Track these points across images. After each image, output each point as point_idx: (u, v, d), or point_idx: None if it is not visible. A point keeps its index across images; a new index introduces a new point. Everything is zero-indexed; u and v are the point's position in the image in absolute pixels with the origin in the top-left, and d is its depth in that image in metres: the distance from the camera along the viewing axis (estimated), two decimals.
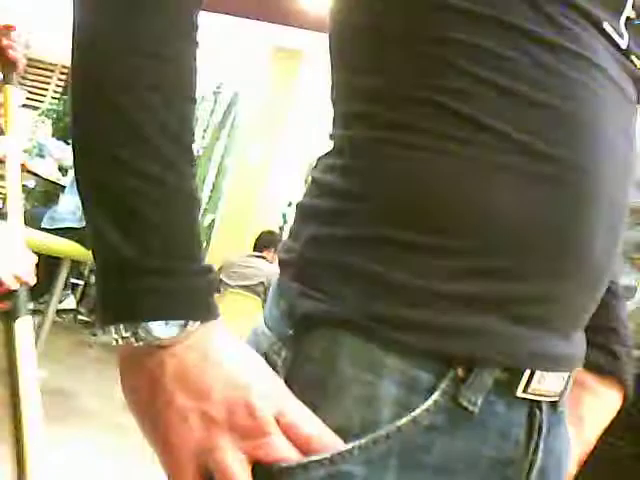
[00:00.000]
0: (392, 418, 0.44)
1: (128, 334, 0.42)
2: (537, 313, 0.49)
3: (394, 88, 0.50)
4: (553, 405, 0.55)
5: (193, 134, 0.45)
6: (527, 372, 0.49)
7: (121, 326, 0.42)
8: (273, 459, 0.42)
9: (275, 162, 4.30)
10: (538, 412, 0.52)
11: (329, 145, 0.55)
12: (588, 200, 0.50)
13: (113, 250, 0.42)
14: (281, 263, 0.53)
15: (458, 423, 0.46)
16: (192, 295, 0.44)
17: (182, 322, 0.43)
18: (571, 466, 0.66)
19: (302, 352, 0.46)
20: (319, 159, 0.55)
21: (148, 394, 0.44)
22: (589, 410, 0.68)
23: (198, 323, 0.43)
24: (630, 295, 1.14)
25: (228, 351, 0.45)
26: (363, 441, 0.43)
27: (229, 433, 0.43)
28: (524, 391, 0.49)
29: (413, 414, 0.44)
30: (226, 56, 4.60)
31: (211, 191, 4.83)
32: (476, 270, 0.46)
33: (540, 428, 0.52)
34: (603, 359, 0.69)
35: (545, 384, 0.51)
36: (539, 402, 0.52)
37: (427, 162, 0.48)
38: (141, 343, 0.42)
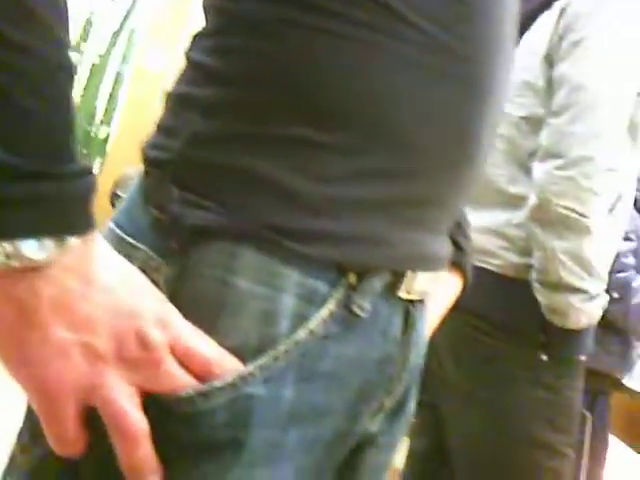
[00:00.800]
0: (290, 332, 0.43)
1: None
2: (420, 215, 0.49)
3: None
4: (422, 301, 0.56)
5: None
6: (409, 273, 0.50)
7: None
8: (169, 390, 0.39)
9: (177, 68, 4.08)
10: (412, 310, 0.53)
11: (208, 19, 0.46)
12: (482, 99, 0.49)
13: None
14: (150, 162, 0.44)
15: (349, 329, 0.46)
16: (68, 204, 0.36)
17: (57, 238, 0.35)
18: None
19: (191, 268, 0.42)
20: (196, 36, 0.47)
21: (18, 328, 0.37)
22: (434, 296, 0.70)
23: (76, 238, 0.36)
24: (522, 204, 1.18)
25: (113, 273, 0.38)
26: (264, 360, 0.42)
27: (117, 367, 0.39)
28: (405, 292, 0.50)
29: (310, 326, 0.44)
30: None
31: (107, 101, 4.57)
32: (364, 171, 0.44)
33: (414, 325, 0.54)
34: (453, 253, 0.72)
35: (420, 284, 0.52)
36: (413, 301, 0.53)
37: (328, 49, 0.43)
38: (12, 264, 0.34)
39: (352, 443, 0.53)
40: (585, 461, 1.52)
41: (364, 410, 0.51)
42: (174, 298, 0.41)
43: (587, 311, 1.14)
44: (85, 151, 3.71)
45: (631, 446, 1.78)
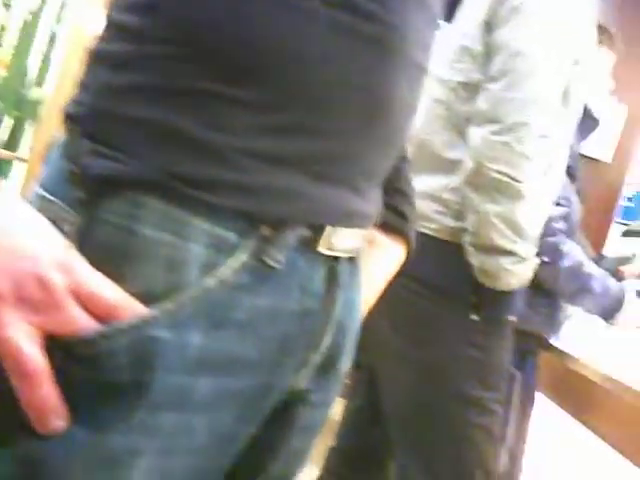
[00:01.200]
0: (198, 280, 0.44)
1: None
2: (335, 171, 0.49)
3: None
4: (352, 260, 0.57)
5: None
6: (328, 229, 0.51)
7: None
8: (70, 331, 0.40)
9: None
10: (337, 267, 0.54)
11: None
12: (393, 58, 0.48)
13: None
14: (66, 118, 0.45)
15: (263, 281, 0.47)
16: None
17: None
18: (363, 308, 0.69)
19: (98, 217, 0.43)
20: None
21: None
22: (377, 263, 0.71)
23: None
24: (458, 169, 1.20)
25: (12, 215, 0.39)
26: (169, 305, 0.43)
27: (15, 307, 0.39)
28: (325, 247, 0.51)
29: (219, 274, 0.44)
30: None
31: (41, 62, 4.39)
32: (276, 126, 0.45)
33: (339, 283, 0.55)
34: (392, 218, 0.72)
35: (343, 240, 0.53)
36: (338, 258, 0.54)
37: (241, 6, 0.43)
38: None
39: (278, 398, 0.54)
40: (513, 417, 1.57)
41: (287, 363, 0.52)
42: (83, 247, 0.42)
43: (517, 273, 1.18)
44: (17, 113, 3.56)
45: (557, 403, 1.85)
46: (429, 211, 1.23)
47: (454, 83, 1.22)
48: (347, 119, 0.48)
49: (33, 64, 4.20)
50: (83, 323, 0.40)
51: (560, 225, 1.62)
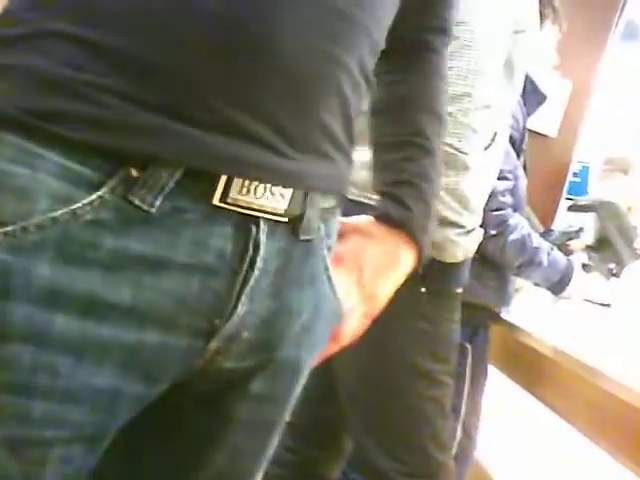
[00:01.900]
0: (46, 210, 0.44)
1: None
2: (225, 117, 0.47)
3: None
4: (294, 230, 0.54)
5: None
6: (222, 179, 0.48)
7: None
8: None
9: None
10: (254, 228, 0.51)
11: None
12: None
13: None
14: None
15: (131, 223, 0.46)
16: None
17: None
18: (354, 315, 0.66)
19: None
20: None
21: None
22: (371, 261, 0.67)
23: None
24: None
25: None
26: (10, 228, 0.43)
27: None
28: (222, 200, 0.49)
29: (72, 207, 0.44)
30: None
31: None
32: (135, 68, 0.45)
33: (257, 245, 0.51)
34: (393, 209, 0.68)
35: (253, 197, 0.50)
36: (256, 218, 0.51)
37: None
38: None
39: (187, 368, 0.52)
40: (466, 390, 1.59)
41: (184, 323, 0.50)
42: None
43: (463, 245, 1.18)
44: None
45: (508, 375, 1.88)
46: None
47: None
48: (199, 55, 0.46)
49: None
50: None
51: (506, 199, 1.64)
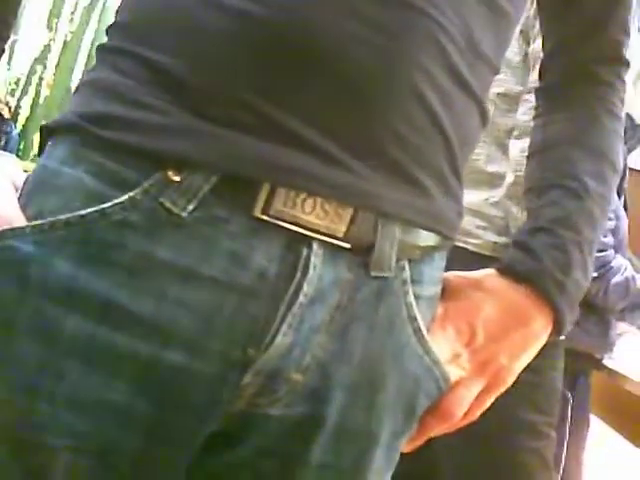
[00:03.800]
0: (78, 208, 0.44)
1: None
2: (268, 119, 0.44)
3: None
4: (363, 262, 0.47)
5: None
6: (265, 188, 0.44)
7: None
8: None
9: None
10: (305, 250, 0.45)
11: None
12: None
13: None
14: None
15: (162, 228, 0.44)
16: None
17: None
18: (468, 386, 0.55)
19: (41, 159, 0.49)
20: None
21: None
22: (488, 320, 0.55)
23: None
24: (499, 183, 1.16)
25: None
26: (38, 222, 0.44)
27: None
28: (265, 212, 0.44)
29: (102, 206, 0.44)
30: None
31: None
32: (178, 67, 0.45)
33: (306, 270, 0.45)
34: (518, 260, 0.57)
35: (300, 211, 0.44)
36: (309, 239, 0.45)
37: None
38: None
39: (213, 401, 0.46)
40: (567, 440, 1.52)
41: (213, 345, 0.45)
42: (23, 186, 0.48)
43: None
44: None
45: (610, 425, 1.79)
46: (471, 226, 1.20)
47: (493, 95, 1.20)
48: (247, 62, 0.45)
49: (75, 83, 4.30)
50: None
51: (608, 239, 1.58)
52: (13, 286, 0.43)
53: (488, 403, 0.58)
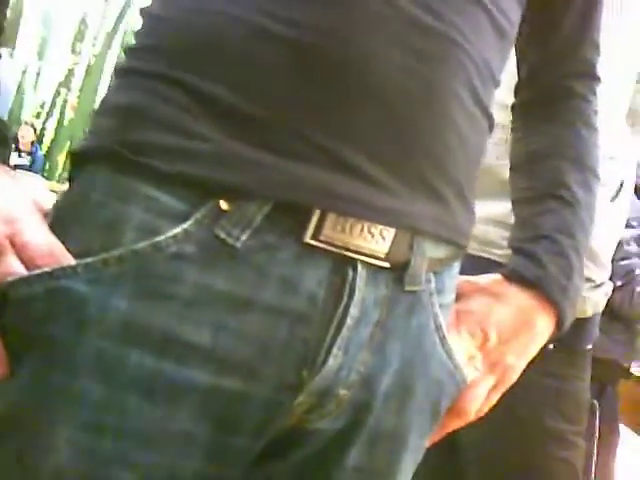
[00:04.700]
0: (131, 242, 0.43)
1: None
2: (318, 146, 0.45)
3: None
4: (398, 279, 0.49)
5: None
6: (315, 214, 0.45)
7: None
8: (2, 275, 0.42)
9: None
10: (351, 272, 0.47)
11: None
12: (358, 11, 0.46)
13: None
14: None
15: (217, 259, 0.44)
16: None
17: None
18: (480, 385, 0.59)
19: (70, 188, 0.47)
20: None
21: None
22: (498, 324, 0.59)
23: None
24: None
25: None
26: (90, 260, 0.43)
27: None
28: (315, 238, 0.45)
29: (156, 239, 0.43)
30: None
31: None
32: (227, 98, 0.45)
33: (352, 292, 0.47)
34: (525, 266, 0.61)
35: (349, 235, 0.46)
36: (353, 261, 0.47)
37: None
38: None
39: (266, 422, 0.47)
40: (595, 449, 1.51)
41: (267, 372, 0.46)
42: (55, 212, 0.46)
43: (592, 299, 1.14)
44: None
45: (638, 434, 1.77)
46: (496, 237, 1.20)
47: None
48: (276, 84, 0.46)
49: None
50: (14, 268, 0.42)
51: (632, 247, 1.57)
52: (71, 329, 0.43)
53: (495, 400, 0.63)
